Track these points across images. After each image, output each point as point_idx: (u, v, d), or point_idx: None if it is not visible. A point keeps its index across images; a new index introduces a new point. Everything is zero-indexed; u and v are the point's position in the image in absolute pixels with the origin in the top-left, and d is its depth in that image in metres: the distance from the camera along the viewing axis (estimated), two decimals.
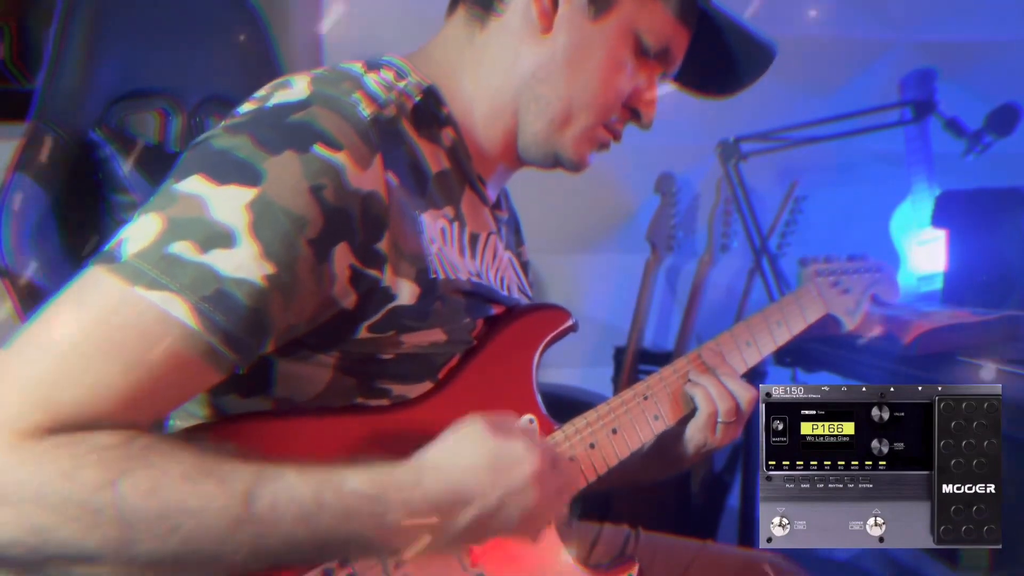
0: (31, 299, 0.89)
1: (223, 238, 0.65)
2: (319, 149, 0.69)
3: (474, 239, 0.87)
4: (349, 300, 0.73)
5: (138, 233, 0.65)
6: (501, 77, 0.85)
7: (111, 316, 0.62)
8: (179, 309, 0.63)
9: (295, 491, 0.63)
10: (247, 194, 0.66)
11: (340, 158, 0.69)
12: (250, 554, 0.62)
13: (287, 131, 0.69)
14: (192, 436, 0.65)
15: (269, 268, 0.66)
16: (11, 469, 0.58)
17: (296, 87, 0.74)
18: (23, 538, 0.58)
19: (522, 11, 0.84)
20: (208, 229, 0.65)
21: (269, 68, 1.19)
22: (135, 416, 0.63)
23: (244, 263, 0.65)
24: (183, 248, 0.64)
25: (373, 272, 0.73)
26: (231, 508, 0.61)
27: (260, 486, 0.62)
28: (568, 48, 0.84)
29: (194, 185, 0.67)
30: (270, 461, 0.65)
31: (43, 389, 0.60)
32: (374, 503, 0.66)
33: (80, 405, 0.61)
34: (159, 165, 0.99)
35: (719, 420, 0.91)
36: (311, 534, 0.64)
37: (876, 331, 1.39)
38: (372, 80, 0.77)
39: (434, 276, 0.77)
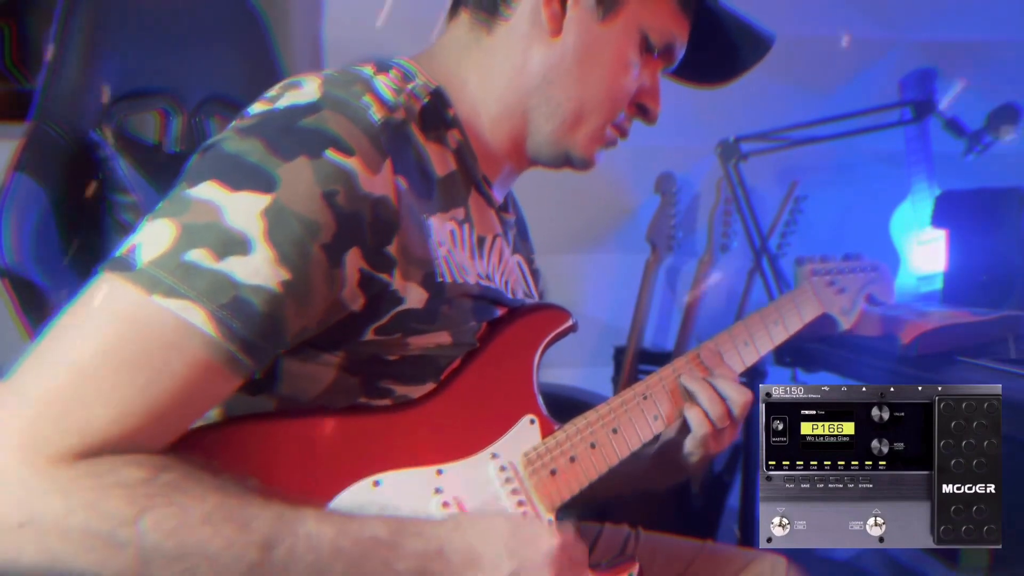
0: (31, 299, 0.89)
1: (239, 245, 0.65)
2: (331, 154, 0.69)
3: (481, 241, 0.87)
4: (357, 303, 0.73)
5: (152, 239, 0.65)
6: (510, 79, 0.85)
7: (131, 328, 0.62)
8: (197, 317, 0.63)
9: (314, 539, 0.64)
10: (262, 201, 0.66)
11: (352, 163, 0.69)
12: None
13: (299, 135, 0.69)
14: (215, 468, 0.65)
15: (285, 274, 0.66)
16: (40, 495, 0.58)
17: (307, 89, 0.74)
18: (40, 564, 0.58)
19: (530, 14, 0.84)
20: (224, 236, 0.65)
21: (269, 68, 1.19)
22: (164, 429, 0.64)
23: (260, 270, 0.65)
24: (200, 255, 0.64)
25: (383, 276, 0.73)
26: (248, 555, 0.61)
27: (280, 533, 0.63)
28: (578, 50, 0.84)
29: (207, 191, 0.67)
30: (293, 502, 0.65)
31: (71, 411, 0.60)
32: (388, 548, 0.66)
33: (110, 424, 0.61)
34: (159, 165, 0.99)
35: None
36: None
37: (872, 331, 1.39)
38: (382, 82, 0.77)
39: (441, 280, 0.77)
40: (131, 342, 0.62)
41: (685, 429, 0.91)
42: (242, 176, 0.67)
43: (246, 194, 0.66)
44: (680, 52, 0.90)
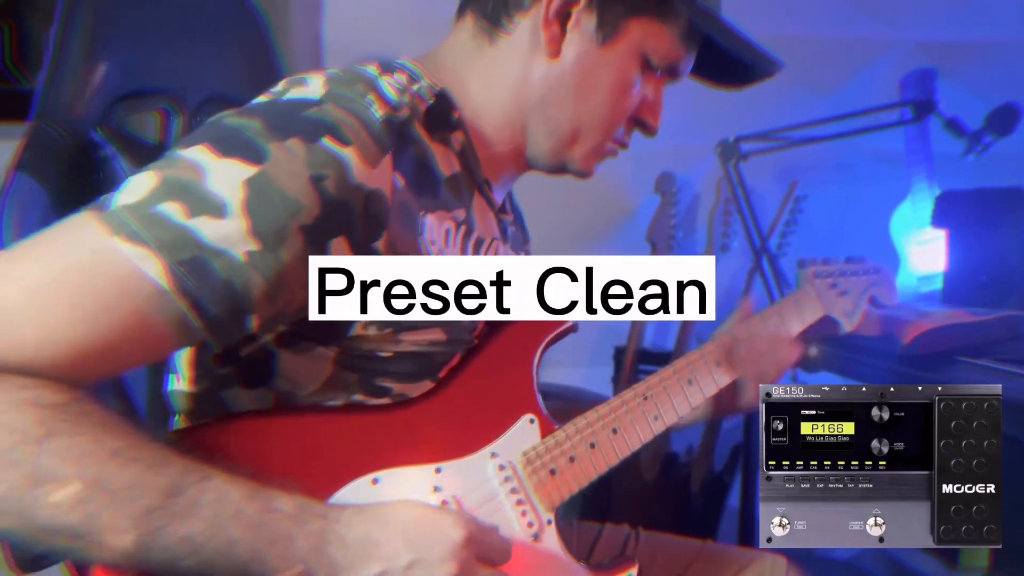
0: None
1: (214, 208, 0.65)
2: (327, 142, 0.69)
3: (479, 243, 0.87)
4: None
5: (132, 187, 0.66)
6: (510, 93, 0.86)
7: (85, 262, 0.62)
8: (153, 267, 0.63)
9: (220, 493, 0.63)
10: (247, 171, 0.67)
11: (347, 153, 0.70)
12: (153, 547, 0.61)
13: (299, 122, 0.70)
14: (138, 418, 0.64)
15: (253, 245, 0.66)
16: None
17: (312, 85, 0.75)
18: None
19: (531, 32, 0.84)
20: (201, 196, 0.65)
21: (269, 68, 1.19)
22: (88, 368, 0.63)
23: (229, 236, 0.65)
24: (172, 209, 0.64)
25: None
26: (149, 497, 0.60)
27: (187, 482, 0.62)
28: (577, 73, 0.84)
29: (197, 153, 0.68)
30: (211, 463, 0.64)
31: (2, 323, 0.60)
32: (292, 521, 0.65)
33: (36, 346, 0.61)
34: None
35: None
36: (217, 539, 0.62)
37: (873, 331, 1.39)
38: (386, 82, 0.78)
39: None
40: (81, 275, 0.62)
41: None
42: (234, 146, 0.68)
43: (233, 162, 0.67)
44: (686, 71, 0.90)
